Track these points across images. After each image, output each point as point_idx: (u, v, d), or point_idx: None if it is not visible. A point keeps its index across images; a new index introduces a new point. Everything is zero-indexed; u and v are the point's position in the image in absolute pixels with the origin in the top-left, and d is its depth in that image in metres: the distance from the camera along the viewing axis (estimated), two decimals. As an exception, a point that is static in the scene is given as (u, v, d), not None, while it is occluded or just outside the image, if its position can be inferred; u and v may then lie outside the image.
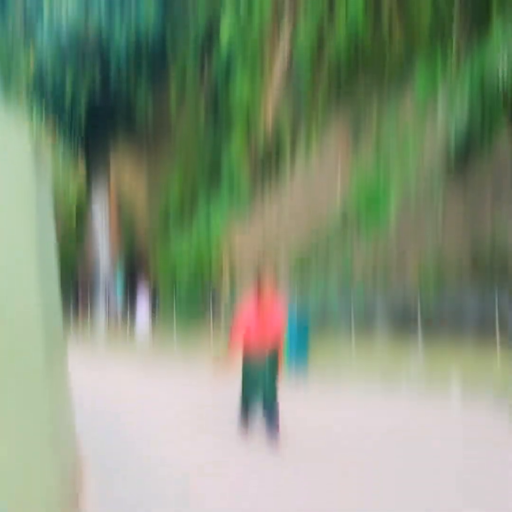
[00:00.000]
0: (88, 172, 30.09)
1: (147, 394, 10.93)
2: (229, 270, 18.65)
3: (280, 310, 6.72)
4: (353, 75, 18.92)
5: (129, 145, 30.51)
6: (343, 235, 15.65)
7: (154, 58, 28.24)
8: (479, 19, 15.44)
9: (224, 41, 23.01)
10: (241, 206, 21.08)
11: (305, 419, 8.44)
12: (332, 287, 13.90)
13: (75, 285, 27.84)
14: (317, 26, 19.73)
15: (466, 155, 12.73)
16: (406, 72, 17.41)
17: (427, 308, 11.83)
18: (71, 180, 29.10)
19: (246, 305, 6.70)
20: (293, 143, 21.07)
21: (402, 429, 8.33)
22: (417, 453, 7.15)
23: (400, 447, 7.25)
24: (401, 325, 12.23)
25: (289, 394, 8.77)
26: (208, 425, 8.10)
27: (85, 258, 29.47)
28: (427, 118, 15.92)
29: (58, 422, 4.40)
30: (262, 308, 6.55)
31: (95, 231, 29.83)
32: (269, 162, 21.88)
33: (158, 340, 16.05)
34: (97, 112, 28.65)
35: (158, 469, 6.21)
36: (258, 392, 6.83)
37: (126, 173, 30.47)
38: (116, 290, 23.79)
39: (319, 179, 18.95)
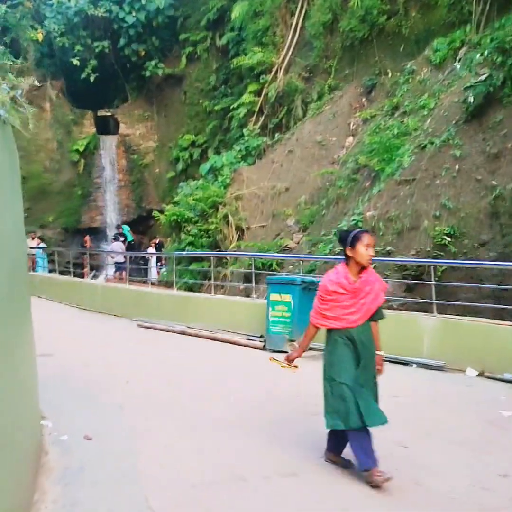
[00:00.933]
0: (97, 125, 30.16)
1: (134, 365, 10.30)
2: (236, 221, 18.03)
3: (377, 277, 5.28)
4: (368, 46, 18.76)
5: (139, 99, 30.49)
6: (355, 186, 14.94)
7: (164, 34, 28.95)
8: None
9: (235, 18, 23.48)
10: (251, 155, 20.74)
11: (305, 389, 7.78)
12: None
13: (81, 234, 27.76)
14: (330, 9, 19.79)
15: (485, 106, 11.95)
16: (423, 39, 17.15)
17: (442, 271, 11.02)
18: (79, 133, 29.37)
19: (335, 274, 5.19)
20: (305, 96, 20.81)
21: (410, 401, 7.71)
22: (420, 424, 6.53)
23: (407, 422, 6.63)
24: (414, 288, 11.48)
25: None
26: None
27: (91, 208, 29.31)
28: (444, 73, 15.42)
29: None
30: (357, 278, 5.10)
31: (103, 182, 29.73)
32: (280, 113, 21.61)
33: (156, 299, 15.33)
34: (106, 70, 28.82)
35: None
36: (353, 396, 4.98)
37: (135, 125, 30.26)
38: (121, 242, 23.59)
39: (331, 128, 18.42)
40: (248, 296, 13.79)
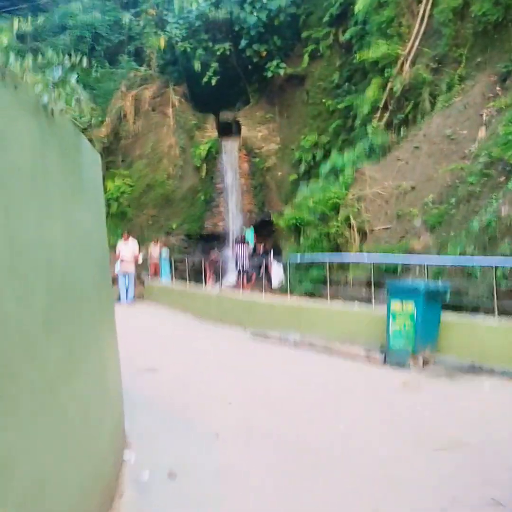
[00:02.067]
0: (219, 129, 29.64)
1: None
2: (358, 224, 16.83)
3: None
4: (503, 30, 17.06)
5: (261, 100, 29.60)
6: (488, 181, 13.47)
7: (286, 32, 27.94)
8: None
9: (359, 11, 22.24)
10: (374, 153, 19.46)
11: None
12: (473, 245, 11.72)
13: (204, 241, 27.59)
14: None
15: None
16: None
17: None
18: (201, 137, 28.98)
19: None
20: (433, 88, 19.28)
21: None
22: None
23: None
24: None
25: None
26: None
27: (214, 214, 28.83)
28: None
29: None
30: None
31: (225, 186, 29.12)
32: (406, 108, 20.17)
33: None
34: (228, 72, 28.21)
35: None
36: None
37: (257, 128, 29.44)
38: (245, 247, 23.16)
39: (462, 121, 16.88)
40: (369, 300, 12.61)
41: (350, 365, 10.16)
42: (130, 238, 20.98)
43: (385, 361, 9.99)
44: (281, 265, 18.76)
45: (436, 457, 5.65)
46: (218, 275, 21.88)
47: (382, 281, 12.84)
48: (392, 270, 14.16)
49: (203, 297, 17.38)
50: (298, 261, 16.27)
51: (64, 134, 4.20)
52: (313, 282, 16.23)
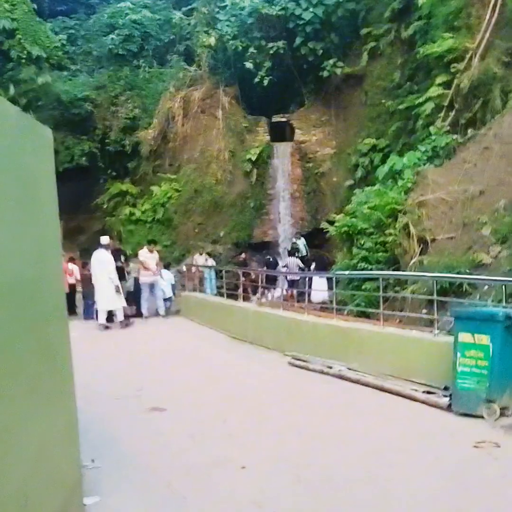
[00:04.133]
0: (271, 132, 28.49)
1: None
2: (418, 232, 15.22)
3: None
4: None
5: (316, 102, 28.31)
6: None
7: (344, 29, 26.81)
8: None
9: (423, 4, 20.88)
10: (438, 156, 17.93)
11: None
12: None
13: (252, 250, 26.44)
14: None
15: None
16: None
17: None
18: (252, 141, 27.92)
19: None
20: (505, 85, 17.68)
21: None
22: None
23: None
24: None
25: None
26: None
27: (264, 222, 27.58)
28: None
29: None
30: None
31: (276, 193, 27.80)
32: (474, 106, 18.53)
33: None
34: (281, 72, 27.27)
35: None
36: None
37: (312, 131, 28.09)
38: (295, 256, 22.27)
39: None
40: (431, 323, 10.55)
41: (405, 409, 8.10)
42: (155, 251, 19.09)
43: (450, 406, 7.96)
44: (325, 279, 17.04)
45: None
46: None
47: (445, 299, 11.05)
48: (457, 287, 12.56)
49: (239, 312, 15.52)
50: (346, 275, 14.52)
51: None
52: (365, 299, 14.48)
